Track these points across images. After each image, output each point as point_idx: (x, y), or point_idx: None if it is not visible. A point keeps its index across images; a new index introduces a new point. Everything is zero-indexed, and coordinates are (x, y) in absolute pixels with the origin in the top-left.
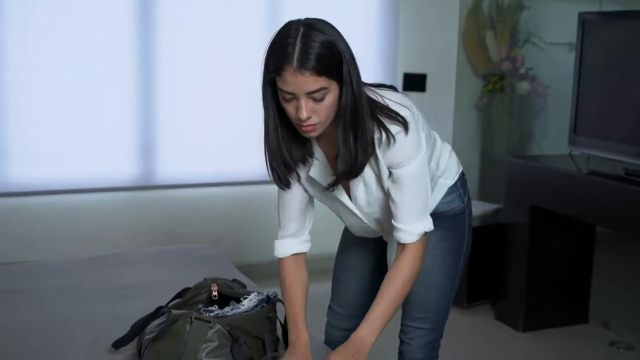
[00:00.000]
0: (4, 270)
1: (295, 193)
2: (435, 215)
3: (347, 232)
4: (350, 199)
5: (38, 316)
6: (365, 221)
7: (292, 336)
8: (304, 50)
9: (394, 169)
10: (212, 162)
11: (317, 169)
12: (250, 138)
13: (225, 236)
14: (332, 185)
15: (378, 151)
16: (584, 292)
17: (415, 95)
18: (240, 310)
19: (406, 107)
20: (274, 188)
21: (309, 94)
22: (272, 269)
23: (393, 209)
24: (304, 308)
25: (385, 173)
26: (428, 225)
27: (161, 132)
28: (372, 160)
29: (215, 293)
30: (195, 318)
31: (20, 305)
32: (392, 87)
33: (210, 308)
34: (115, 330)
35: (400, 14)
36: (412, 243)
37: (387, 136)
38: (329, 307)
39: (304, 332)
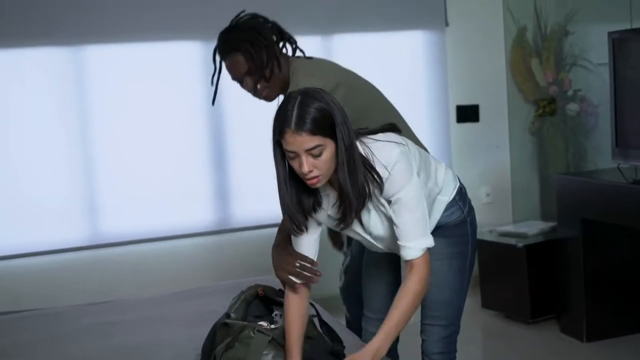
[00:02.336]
0: (100, 307)
1: (305, 237)
2: (439, 226)
3: (368, 251)
4: (363, 227)
5: (130, 341)
6: (376, 244)
7: None
8: (300, 114)
9: (392, 198)
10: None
11: (333, 208)
12: None
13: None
14: (340, 224)
15: (375, 192)
16: None
17: (469, 125)
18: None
19: (396, 143)
20: None
21: (308, 151)
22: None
23: (396, 231)
24: (300, 339)
25: (385, 205)
26: (429, 241)
27: (234, 180)
28: (373, 197)
29: (261, 292)
30: (258, 330)
31: (115, 333)
32: (391, 127)
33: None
34: (195, 348)
35: (447, 48)
36: (417, 259)
37: (378, 181)
38: (363, 315)
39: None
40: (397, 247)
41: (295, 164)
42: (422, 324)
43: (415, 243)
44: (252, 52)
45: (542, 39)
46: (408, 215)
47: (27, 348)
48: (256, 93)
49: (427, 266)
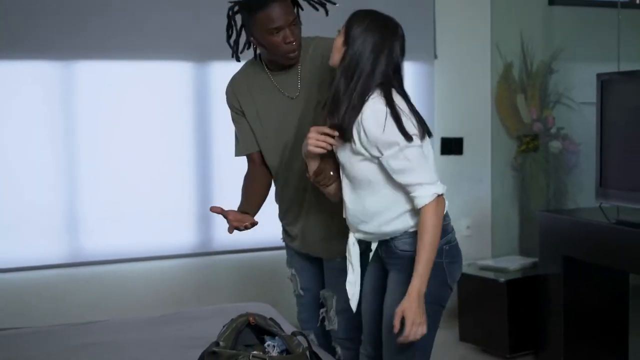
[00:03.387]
0: (85, 327)
1: None
2: (395, 258)
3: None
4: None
5: None
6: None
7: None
8: None
9: (388, 151)
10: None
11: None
12: None
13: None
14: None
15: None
16: (623, 338)
17: (453, 158)
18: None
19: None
20: None
21: None
22: None
23: (405, 187)
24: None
25: (363, 152)
26: (438, 188)
27: (218, 202)
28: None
29: (252, 320)
30: (253, 356)
31: (104, 354)
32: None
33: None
34: None
35: (434, 81)
36: (427, 205)
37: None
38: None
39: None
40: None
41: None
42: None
43: (420, 189)
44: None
45: (528, 76)
46: (404, 162)
47: None
48: (296, 44)
49: (438, 208)
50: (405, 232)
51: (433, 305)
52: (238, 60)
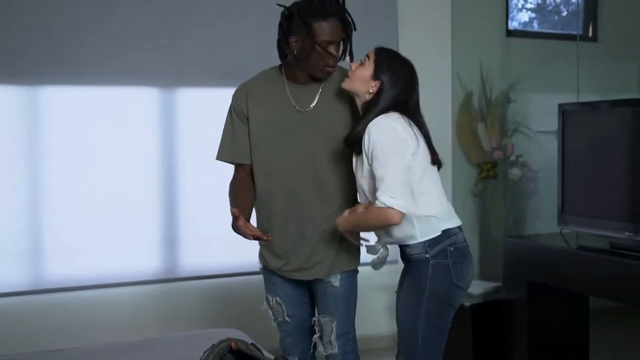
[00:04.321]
0: (52, 356)
1: None
2: (408, 259)
3: None
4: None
5: None
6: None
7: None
8: None
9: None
10: (231, 253)
11: None
12: None
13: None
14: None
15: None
16: None
17: None
18: None
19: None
20: None
21: None
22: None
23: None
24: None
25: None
26: (394, 202)
27: (183, 227)
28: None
29: (234, 346)
30: None
31: None
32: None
33: None
34: None
35: None
36: (385, 207)
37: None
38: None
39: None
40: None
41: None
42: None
43: (387, 198)
44: (350, 23)
45: (488, 105)
46: (381, 172)
47: None
48: (336, 61)
49: (391, 217)
50: (412, 237)
51: (439, 304)
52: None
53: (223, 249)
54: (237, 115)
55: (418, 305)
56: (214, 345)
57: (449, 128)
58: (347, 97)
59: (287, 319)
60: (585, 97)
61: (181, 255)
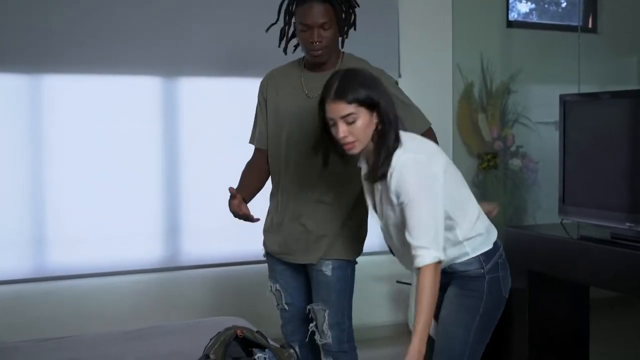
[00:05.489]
0: (56, 343)
1: None
2: (455, 275)
3: None
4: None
5: None
6: (384, 228)
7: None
8: (339, 86)
9: (400, 199)
10: (233, 242)
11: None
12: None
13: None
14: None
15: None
16: (583, 351)
17: None
18: None
19: (415, 154)
20: None
21: (343, 118)
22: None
23: (407, 238)
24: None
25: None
26: (439, 254)
27: (185, 215)
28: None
29: (240, 333)
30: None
31: None
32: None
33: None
34: None
35: None
36: (426, 265)
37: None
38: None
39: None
40: (403, 252)
41: (333, 131)
42: None
43: (423, 251)
44: (343, 10)
45: (488, 96)
46: (414, 221)
47: None
48: (320, 45)
49: (435, 272)
50: (464, 254)
51: (491, 319)
52: (285, 52)
53: (225, 237)
54: (260, 102)
55: (471, 321)
56: (219, 332)
57: (450, 119)
58: None
59: (285, 306)
60: (586, 89)
61: (183, 244)
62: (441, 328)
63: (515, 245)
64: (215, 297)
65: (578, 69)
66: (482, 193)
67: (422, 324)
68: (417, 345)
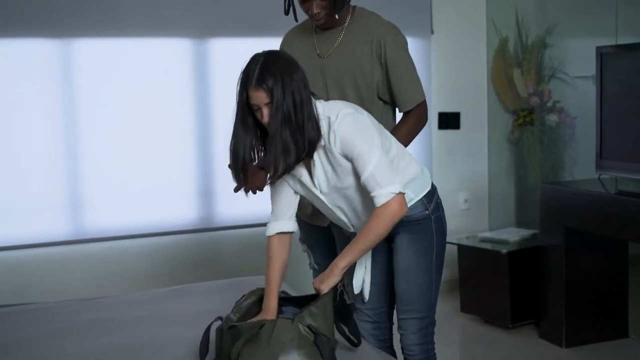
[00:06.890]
0: (93, 303)
1: (280, 187)
2: (401, 222)
3: None
4: (314, 183)
5: (128, 339)
6: (330, 207)
7: (265, 304)
8: (260, 73)
9: (351, 155)
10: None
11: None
12: None
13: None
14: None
15: (327, 143)
16: (622, 307)
17: (450, 132)
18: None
19: (346, 106)
20: None
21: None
22: None
23: (366, 187)
24: (278, 285)
25: (338, 159)
26: (396, 187)
27: (219, 178)
28: (324, 150)
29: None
30: (279, 319)
31: (113, 330)
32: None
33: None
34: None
35: (431, 56)
36: (388, 201)
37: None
38: (356, 308)
39: (273, 303)
40: (355, 218)
41: (258, 115)
42: (399, 319)
43: (383, 190)
44: None
45: (523, 50)
46: (369, 167)
47: (25, 344)
48: (319, 15)
49: (398, 204)
50: (409, 200)
51: (442, 255)
52: (286, 13)
53: (258, 198)
54: None
55: (430, 262)
56: (244, 295)
57: (484, 75)
58: (368, 39)
59: (315, 265)
60: (624, 40)
61: (217, 205)
62: (404, 277)
63: (551, 202)
64: (249, 257)
65: (616, 20)
66: (517, 150)
67: (361, 248)
68: (342, 263)
